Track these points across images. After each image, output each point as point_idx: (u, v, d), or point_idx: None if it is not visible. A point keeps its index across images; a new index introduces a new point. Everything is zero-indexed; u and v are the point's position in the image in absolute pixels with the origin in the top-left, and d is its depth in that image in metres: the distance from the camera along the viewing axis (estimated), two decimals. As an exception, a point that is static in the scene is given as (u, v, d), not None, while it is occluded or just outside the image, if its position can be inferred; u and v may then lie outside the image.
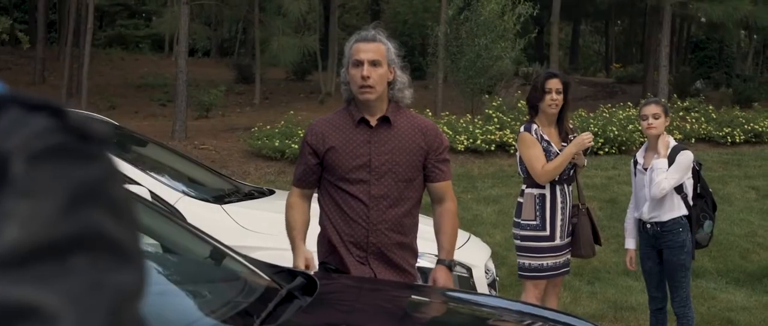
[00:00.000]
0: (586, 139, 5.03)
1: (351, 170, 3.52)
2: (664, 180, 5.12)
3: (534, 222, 5.09)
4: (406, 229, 3.61)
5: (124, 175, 4.63)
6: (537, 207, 5.09)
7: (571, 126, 5.36)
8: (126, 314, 0.54)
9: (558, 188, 5.11)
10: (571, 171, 5.18)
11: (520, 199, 5.20)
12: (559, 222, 5.09)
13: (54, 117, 0.56)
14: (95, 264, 0.53)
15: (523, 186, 5.20)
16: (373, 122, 3.57)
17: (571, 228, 5.18)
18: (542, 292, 5.18)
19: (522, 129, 5.21)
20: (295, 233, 3.66)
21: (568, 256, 5.22)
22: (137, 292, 0.56)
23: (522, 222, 5.13)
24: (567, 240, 5.17)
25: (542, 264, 5.10)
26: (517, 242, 5.18)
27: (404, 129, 3.60)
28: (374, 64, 3.52)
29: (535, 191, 5.11)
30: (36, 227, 0.52)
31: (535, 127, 5.12)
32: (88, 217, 0.54)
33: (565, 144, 5.10)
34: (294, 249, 3.62)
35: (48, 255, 0.52)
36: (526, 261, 5.13)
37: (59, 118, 0.57)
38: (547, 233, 5.08)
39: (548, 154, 5.06)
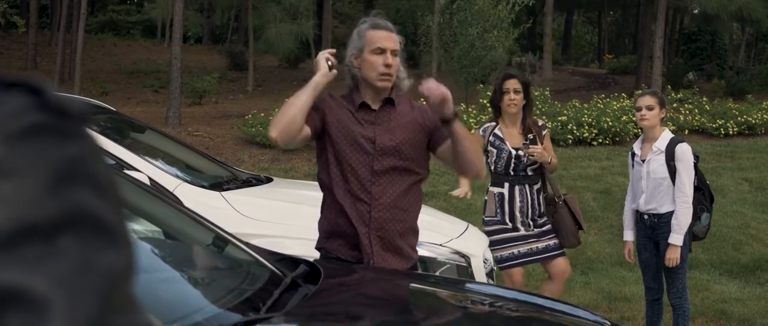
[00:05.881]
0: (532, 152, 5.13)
1: (354, 145, 3.51)
2: (683, 194, 5.16)
3: (496, 218, 5.29)
4: (407, 206, 3.60)
5: (120, 160, 4.61)
6: (497, 204, 5.28)
7: (540, 123, 5.46)
8: (117, 295, 0.52)
9: (517, 188, 5.27)
10: (527, 170, 5.26)
11: (486, 197, 5.40)
12: (519, 217, 5.26)
13: (31, 94, 0.55)
14: (83, 244, 0.51)
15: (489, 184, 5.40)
16: (375, 106, 3.57)
17: (547, 222, 5.31)
18: (523, 281, 5.37)
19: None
20: (299, 93, 3.49)
21: (549, 242, 5.31)
22: (127, 273, 0.54)
23: (486, 218, 5.36)
24: (536, 230, 5.28)
25: (513, 252, 5.27)
26: (488, 238, 5.33)
27: (405, 109, 3.62)
28: (395, 54, 3.54)
29: (495, 190, 5.32)
30: (20, 208, 0.50)
31: (486, 125, 5.36)
32: (73, 196, 0.52)
33: (525, 143, 5.21)
34: (311, 83, 3.47)
35: (34, 236, 0.50)
36: (498, 253, 5.31)
37: (37, 96, 0.55)
38: (510, 225, 5.26)
39: (500, 152, 5.25)
